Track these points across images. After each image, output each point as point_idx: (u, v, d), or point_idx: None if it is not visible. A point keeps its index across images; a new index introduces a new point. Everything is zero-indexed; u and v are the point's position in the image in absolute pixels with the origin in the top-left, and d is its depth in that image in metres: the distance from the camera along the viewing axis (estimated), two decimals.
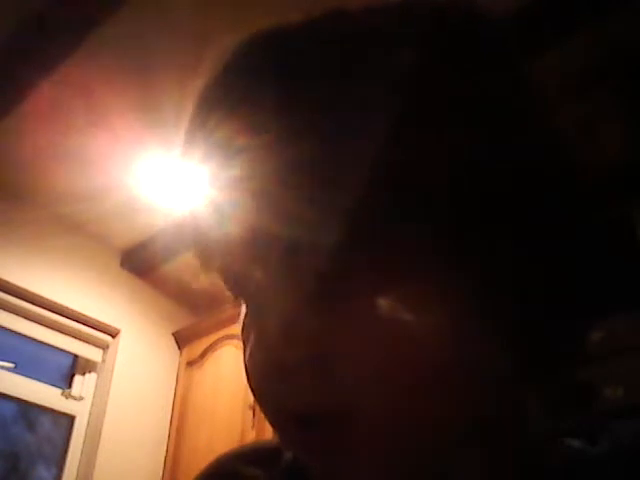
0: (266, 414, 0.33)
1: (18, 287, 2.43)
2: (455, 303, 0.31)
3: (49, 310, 2.52)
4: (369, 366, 0.30)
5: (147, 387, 2.71)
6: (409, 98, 0.30)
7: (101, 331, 2.67)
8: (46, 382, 2.52)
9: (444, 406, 0.31)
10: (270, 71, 0.32)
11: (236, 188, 0.32)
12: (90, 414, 2.58)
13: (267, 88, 0.32)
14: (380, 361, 0.30)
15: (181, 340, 2.84)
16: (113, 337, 2.71)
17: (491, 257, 0.32)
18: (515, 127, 0.33)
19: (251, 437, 2.27)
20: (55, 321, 2.54)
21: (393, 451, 0.31)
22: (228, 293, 0.36)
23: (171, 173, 2.24)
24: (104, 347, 2.70)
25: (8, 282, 2.40)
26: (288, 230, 0.31)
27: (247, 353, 0.33)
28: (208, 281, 0.36)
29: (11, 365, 2.43)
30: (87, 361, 2.67)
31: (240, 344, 0.35)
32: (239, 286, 0.35)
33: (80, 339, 2.63)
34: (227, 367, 2.56)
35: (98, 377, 2.66)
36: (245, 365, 0.33)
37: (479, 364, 0.32)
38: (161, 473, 2.61)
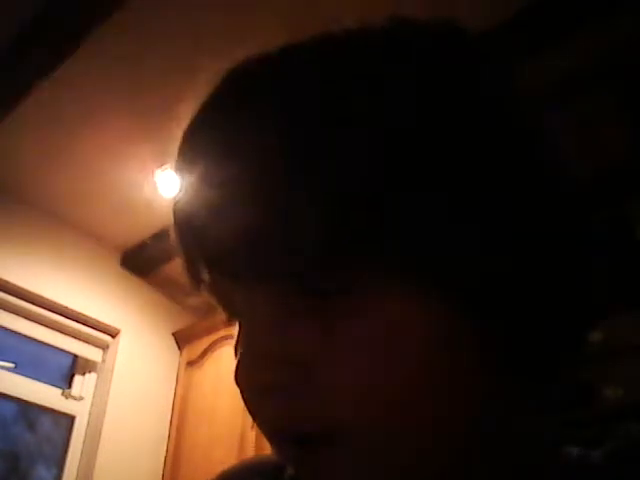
0: (259, 428, 0.34)
1: (18, 287, 2.43)
2: (442, 313, 0.31)
3: (49, 310, 2.52)
4: (352, 379, 0.30)
5: (147, 387, 2.71)
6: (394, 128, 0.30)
7: (101, 331, 2.67)
8: (46, 382, 2.52)
9: (429, 419, 0.31)
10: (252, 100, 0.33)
11: (216, 200, 0.32)
12: (90, 414, 2.58)
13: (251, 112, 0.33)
14: (363, 374, 0.30)
15: (181, 340, 2.84)
16: (113, 337, 2.71)
17: (484, 259, 0.31)
18: (510, 149, 0.32)
19: (251, 437, 2.27)
20: (55, 321, 2.54)
21: (379, 468, 0.31)
22: (221, 311, 0.36)
23: (172, 173, 2.24)
24: (104, 347, 2.70)
25: (8, 282, 2.40)
26: (271, 246, 0.30)
27: (235, 369, 0.33)
28: (200, 298, 0.37)
29: (11, 365, 2.43)
30: (87, 361, 2.67)
31: None
32: (228, 303, 0.35)
33: (80, 339, 2.63)
34: (227, 367, 2.55)
35: (98, 377, 2.66)
36: (235, 381, 0.33)
37: (467, 375, 0.32)
38: (161, 473, 2.61)
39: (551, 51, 1.75)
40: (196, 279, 0.35)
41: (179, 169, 0.36)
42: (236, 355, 0.34)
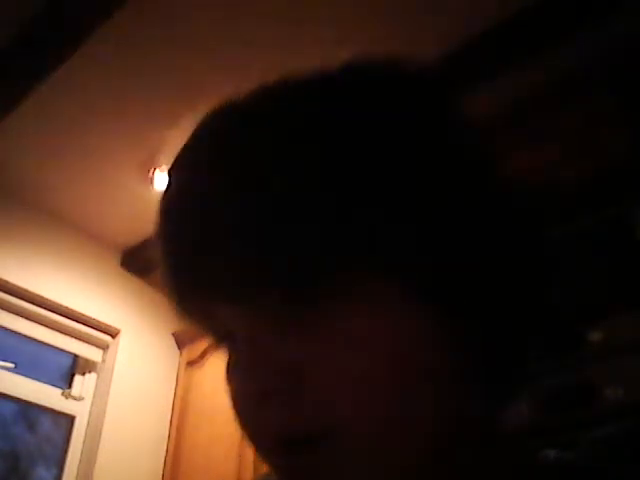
0: (252, 442, 0.35)
1: (18, 287, 2.43)
2: (424, 314, 0.33)
3: (49, 310, 2.52)
4: (345, 379, 0.31)
5: (147, 387, 2.71)
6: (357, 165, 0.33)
7: (101, 331, 2.67)
8: (46, 382, 2.52)
9: (419, 418, 0.32)
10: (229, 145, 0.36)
11: (200, 229, 0.34)
12: (90, 414, 2.58)
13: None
14: (354, 374, 0.31)
15: (181, 340, 2.84)
16: (113, 337, 2.71)
17: (454, 265, 0.34)
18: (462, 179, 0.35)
19: None
20: (55, 321, 2.54)
21: (378, 466, 0.32)
22: (210, 339, 0.39)
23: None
24: (104, 347, 2.70)
25: (8, 282, 2.40)
26: (255, 265, 0.33)
27: (229, 387, 0.35)
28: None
29: (11, 365, 2.43)
30: (87, 361, 2.67)
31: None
32: (215, 326, 0.37)
33: (80, 339, 2.63)
34: None
35: (98, 377, 2.66)
36: (230, 399, 0.35)
37: (452, 375, 0.34)
38: (161, 473, 2.61)
39: (551, 51, 1.75)
40: (184, 306, 0.39)
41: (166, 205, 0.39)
42: (229, 380, 0.36)
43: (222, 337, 0.37)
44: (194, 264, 0.34)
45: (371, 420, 0.31)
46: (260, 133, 0.35)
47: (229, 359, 0.37)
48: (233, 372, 0.36)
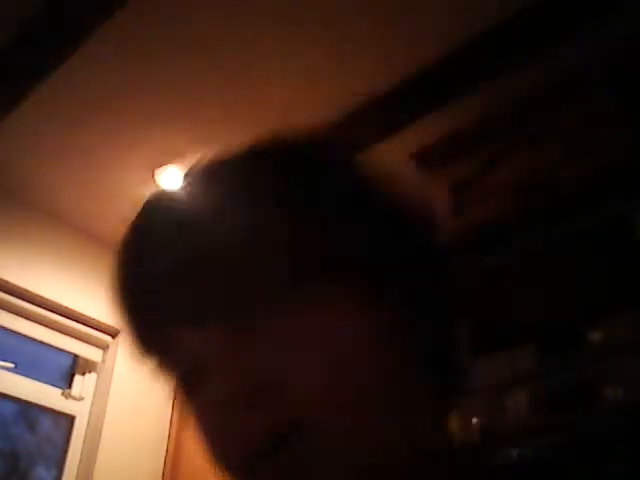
0: (222, 461, 0.39)
1: (18, 287, 2.43)
2: (385, 320, 0.36)
3: (49, 310, 2.52)
4: (311, 381, 0.34)
5: (147, 387, 2.71)
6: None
7: (101, 331, 2.67)
8: (46, 382, 2.53)
9: (386, 418, 0.34)
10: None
11: (169, 265, 0.39)
12: (90, 414, 2.58)
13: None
14: (320, 375, 0.34)
15: None
16: (113, 337, 2.71)
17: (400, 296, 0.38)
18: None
19: None
20: (55, 321, 2.54)
21: (347, 466, 0.33)
22: (177, 386, 0.43)
23: (172, 172, 2.24)
24: (104, 347, 2.70)
25: (8, 282, 2.40)
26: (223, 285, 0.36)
27: (196, 417, 0.41)
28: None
29: (11, 365, 2.43)
30: (87, 361, 2.67)
31: None
32: (178, 358, 0.41)
33: (80, 339, 2.63)
34: None
35: (98, 377, 2.66)
36: (198, 427, 0.40)
37: (413, 376, 0.36)
38: (161, 473, 2.61)
39: (551, 51, 1.75)
40: (147, 334, 0.44)
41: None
42: (196, 409, 0.41)
43: (184, 372, 0.41)
44: (174, 283, 0.38)
45: (339, 420, 0.33)
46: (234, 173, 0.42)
47: (193, 396, 0.42)
48: (200, 400, 0.40)
